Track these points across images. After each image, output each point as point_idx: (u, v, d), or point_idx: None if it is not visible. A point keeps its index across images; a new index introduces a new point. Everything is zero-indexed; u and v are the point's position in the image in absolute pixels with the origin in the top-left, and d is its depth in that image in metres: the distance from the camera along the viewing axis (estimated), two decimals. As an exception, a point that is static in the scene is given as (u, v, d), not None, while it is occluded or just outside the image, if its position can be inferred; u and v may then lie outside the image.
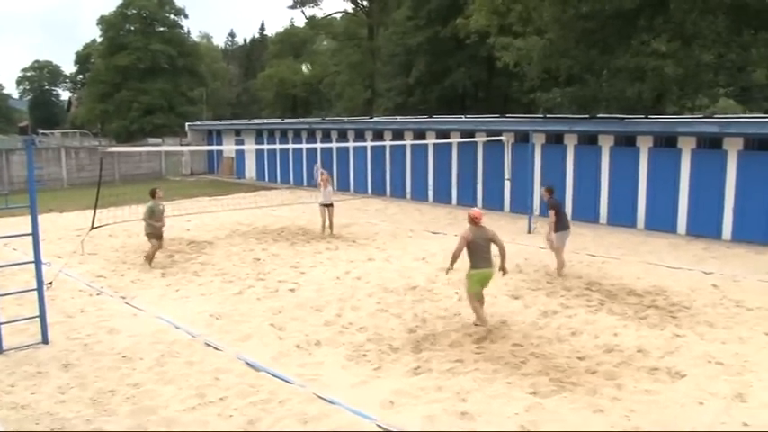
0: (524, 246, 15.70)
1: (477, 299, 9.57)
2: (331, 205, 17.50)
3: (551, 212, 12.91)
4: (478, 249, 9.41)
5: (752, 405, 7.04)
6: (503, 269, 9.69)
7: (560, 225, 12.88)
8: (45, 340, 9.14)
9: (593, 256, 14.73)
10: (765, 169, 15.96)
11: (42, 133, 61.06)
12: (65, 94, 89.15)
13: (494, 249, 9.67)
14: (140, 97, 54.50)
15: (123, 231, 17.58)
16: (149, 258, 14.07)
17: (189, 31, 64.35)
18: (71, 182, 32.35)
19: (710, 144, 17.08)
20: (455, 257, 9.44)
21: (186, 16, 60.47)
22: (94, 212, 13.38)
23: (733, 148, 16.60)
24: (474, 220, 9.51)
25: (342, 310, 10.65)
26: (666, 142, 17.95)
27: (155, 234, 14.00)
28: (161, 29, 58.14)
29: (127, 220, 17.14)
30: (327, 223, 17.44)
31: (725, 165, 16.70)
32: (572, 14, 23.06)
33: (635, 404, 7.06)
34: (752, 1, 20.69)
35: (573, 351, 8.66)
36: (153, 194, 14.23)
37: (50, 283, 11.67)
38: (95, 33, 73.13)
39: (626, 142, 18.78)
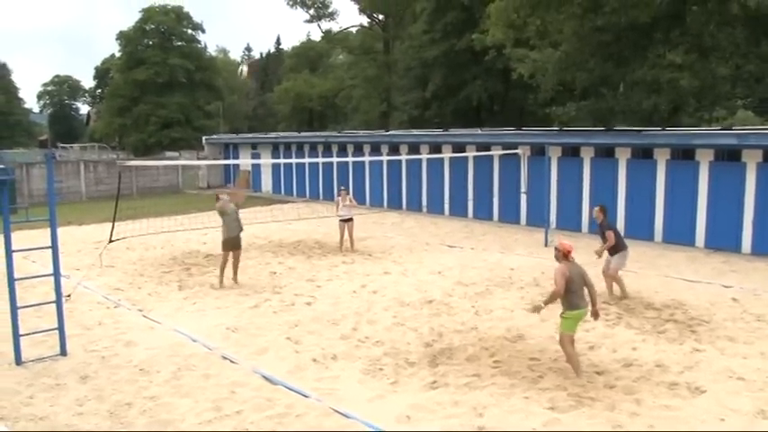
0: (541, 259, 15.62)
1: (572, 342, 8.46)
2: (350, 220, 17.47)
3: (610, 234, 11.92)
4: (575, 286, 8.28)
5: (774, 422, 6.94)
6: (595, 313, 8.58)
7: (621, 245, 12.09)
8: (63, 352, 9.21)
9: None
10: (785, 182, 15.81)
11: (62, 147, 61.80)
12: (84, 108, 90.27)
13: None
14: (158, 111, 55.02)
15: (140, 244, 17.70)
16: (221, 272, 13.40)
17: (206, 46, 65.02)
18: (90, 195, 32.68)
19: (729, 156, 16.94)
20: (554, 297, 8.29)
21: (203, 31, 61.18)
22: (113, 225, 13.48)
23: (752, 160, 16.45)
24: (566, 255, 8.41)
25: (358, 324, 10.63)
26: (684, 155, 17.82)
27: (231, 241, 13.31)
28: (179, 43, 58.74)
29: (144, 233, 17.28)
30: (346, 237, 17.40)
31: (744, 177, 16.55)
32: (588, 27, 23.04)
33: (654, 420, 6.97)
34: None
35: (591, 365, 8.58)
36: (217, 198, 13.76)
37: (69, 296, 11.76)
38: (114, 48, 74.23)
39: (643, 155, 18.68)
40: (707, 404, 7.35)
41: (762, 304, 11.55)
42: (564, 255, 8.41)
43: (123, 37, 57.84)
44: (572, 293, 8.24)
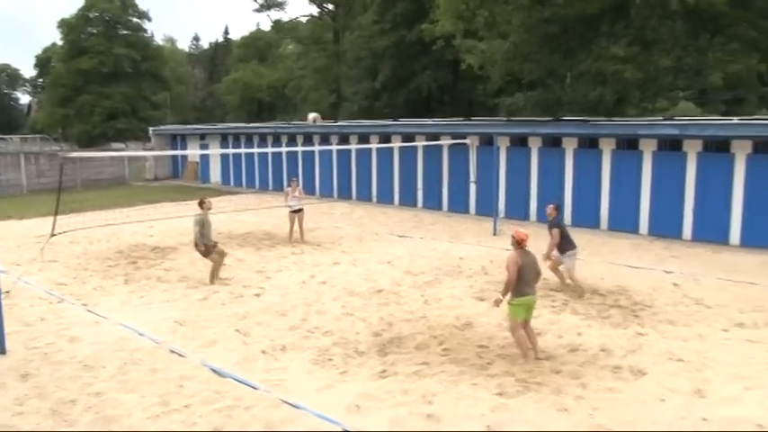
0: (490, 248, 15.82)
1: (521, 328, 8.57)
2: (300, 210, 17.37)
3: (555, 232, 11.75)
4: (527, 275, 8.47)
5: (711, 400, 7.19)
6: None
7: (569, 245, 11.87)
8: (2, 350, 8.92)
9: (557, 257, 14.88)
10: (723, 170, 16.35)
11: (1, 138, 59.80)
12: (24, 98, 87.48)
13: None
14: (103, 101, 53.74)
15: (84, 238, 17.28)
16: (212, 276, 12.83)
17: (153, 35, 63.71)
18: (31, 188, 31.72)
19: (671, 146, 17.41)
20: (509, 287, 8.41)
21: (150, 19, 59.97)
22: (54, 219, 13.14)
23: (692, 150, 16.95)
24: (520, 243, 8.55)
25: (307, 315, 10.59)
26: (628, 144, 18.25)
27: (208, 247, 12.80)
28: (124, 32, 57.42)
29: (88, 226, 16.88)
30: (296, 228, 17.29)
31: (685, 166, 17.05)
32: (536, 19, 23.31)
33: (598, 402, 7.15)
34: (707, 6, 21.14)
35: (538, 351, 8.73)
36: (201, 205, 13.15)
37: (8, 292, 11.42)
38: (56, 36, 71.84)
39: (589, 144, 19.05)
40: (648, 386, 7.57)
41: (701, 288, 11.94)
42: (518, 243, 8.54)
43: (65, 25, 56.18)
44: (522, 282, 8.40)
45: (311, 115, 16.34)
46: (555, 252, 11.86)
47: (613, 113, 22.10)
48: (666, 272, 13.33)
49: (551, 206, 12.45)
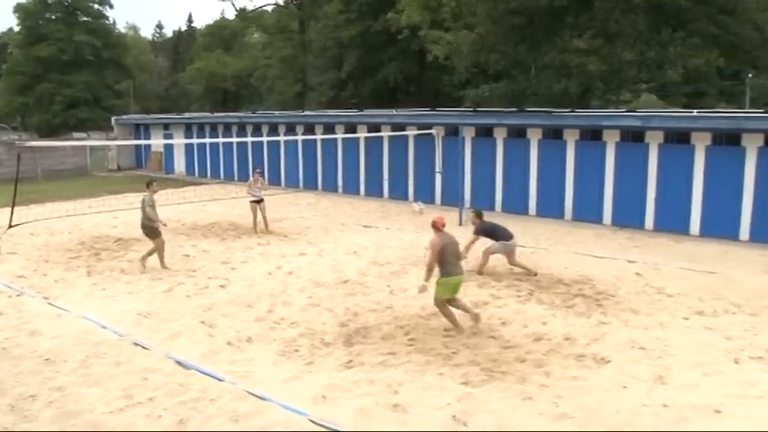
0: (457, 238, 15.86)
1: (447, 304, 9.13)
2: (262, 201, 17.28)
3: (474, 237, 12.48)
4: (449, 255, 9.03)
5: (671, 387, 7.33)
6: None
7: (504, 237, 12.37)
8: (-40, 344, 8.73)
9: (522, 247, 14.93)
10: (684, 161, 16.64)
11: (-45, 127, 58.29)
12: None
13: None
14: (63, 90, 52.66)
15: (46, 229, 16.94)
16: (144, 258, 13.05)
17: (115, 22, 62.66)
18: (-12, 178, 30.93)
19: (633, 137, 17.67)
20: (431, 269, 9.02)
21: (111, 6, 59.02)
22: (12, 209, 12.84)
23: (654, 141, 17.22)
24: (437, 226, 9.20)
25: (273, 306, 10.54)
26: (592, 135, 18.47)
27: (156, 230, 13.03)
28: (85, 19, 56.28)
29: (50, 217, 16.55)
30: (260, 219, 17.20)
31: (647, 157, 17.31)
32: (502, 10, 23.44)
33: (562, 390, 7.24)
34: (669, 1, 21.50)
35: (503, 341, 8.83)
36: (148, 186, 13.36)
37: (-34, 285, 11.15)
38: (12, 21, 70.10)
39: (553, 135, 19.24)
40: (611, 373, 7.69)
41: (662, 278, 12.16)
42: (436, 226, 9.22)
43: (21, 10, 54.81)
44: (446, 262, 8.98)
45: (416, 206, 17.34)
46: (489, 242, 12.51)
47: (578, 105, 22.36)
48: (629, 261, 13.54)
49: (472, 214, 13.25)
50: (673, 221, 16.83)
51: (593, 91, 24.71)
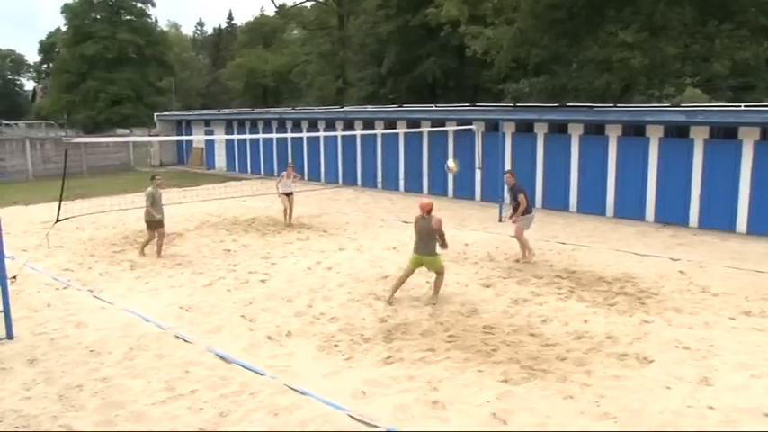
0: (495, 234, 15.79)
1: (406, 273, 10.57)
2: (291, 194, 17.56)
3: (522, 197, 12.90)
4: (419, 235, 10.38)
5: (717, 388, 7.16)
6: (443, 245, 10.53)
7: (528, 208, 13.06)
8: (9, 335, 8.95)
9: (563, 243, 14.87)
10: (730, 157, 16.24)
11: (6, 124, 59.83)
12: (29, 84, 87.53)
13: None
14: (107, 87, 53.64)
15: (91, 224, 17.32)
16: (142, 248, 14.10)
17: (157, 20, 63.54)
18: (36, 174, 31.74)
19: (678, 133, 17.31)
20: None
21: (154, 5, 59.65)
22: (60, 204, 13.13)
23: (699, 137, 16.83)
24: (421, 209, 10.32)
25: (313, 301, 10.60)
26: (635, 131, 18.14)
27: (153, 222, 13.83)
28: (128, 17, 57.23)
29: (95, 211, 16.90)
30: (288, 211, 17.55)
31: (692, 153, 16.94)
32: (543, 4, 23.15)
33: (604, 390, 7.14)
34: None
35: (543, 338, 8.74)
36: (152, 179, 14.24)
37: (15, 278, 11.43)
38: (60, 22, 71.79)
39: (595, 131, 18.94)
40: (654, 373, 7.55)
41: (707, 276, 11.89)
42: (420, 209, 10.37)
43: (69, 10, 56.01)
44: (416, 240, 10.45)
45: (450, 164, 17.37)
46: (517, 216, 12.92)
47: (620, 100, 21.98)
48: (673, 259, 13.27)
49: (508, 173, 13.94)
50: (718, 219, 16.45)
51: (635, 86, 24.27)
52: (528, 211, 12.96)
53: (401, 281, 10.58)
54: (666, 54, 21.64)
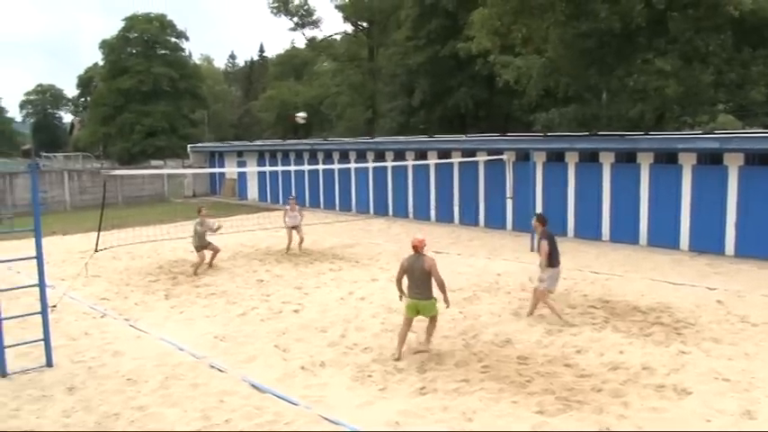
0: (527, 264, 15.67)
1: (406, 323, 9.38)
2: (296, 227, 18.25)
3: (543, 244, 10.94)
4: (412, 278, 9.29)
5: (761, 421, 7.00)
6: (445, 301, 9.38)
7: (554, 261, 11.01)
8: (49, 363, 9.13)
9: (596, 273, 14.72)
10: (766, 184, 16.00)
11: (45, 156, 61.35)
12: (67, 117, 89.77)
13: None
14: (142, 119, 54.83)
15: (126, 254, 17.60)
16: (195, 267, 15.62)
17: (190, 54, 64.92)
18: (74, 204, 32.43)
19: (711, 160, 17.13)
20: (397, 284, 9.61)
21: (187, 39, 61.07)
22: (98, 235, 13.41)
23: (734, 164, 16.64)
24: (414, 248, 9.35)
25: (346, 331, 10.63)
26: (667, 158, 17.99)
27: (200, 247, 15.73)
28: (162, 51, 58.61)
29: (130, 242, 17.18)
30: (297, 242, 18.14)
31: (726, 180, 16.74)
32: (572, 34, 23.22)
33: (642, 422, 7.02)
34: (750, 17, 20.84)
35: (578, 369, 8.64)
36: (199, 212, 16.25)
37: (54, 306, 11.66)
38: (97, 57, 73.98)
39: (627, 159, 18.83)
40: (693, 405, 7.41)
41: (746, 305, 11.67)
42: (413, 247, 9.41)
43: (106, 45, 57.67)
44: (409, 284, 9.32)
45: (299, 114, 18.00)
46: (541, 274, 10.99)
47: (652, 128, 21.84)
48: (710, 288, 13.06)
49: (534, 219, 11.87)
50: (756, 246, 16.15)
51: (669, 114, 24.14)
52: (552, 263, 10.92)
53: (404, 335, 9.38)
54: (702, 81, 21.50)
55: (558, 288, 11.50)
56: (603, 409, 7.35)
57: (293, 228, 18.16)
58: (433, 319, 9.51)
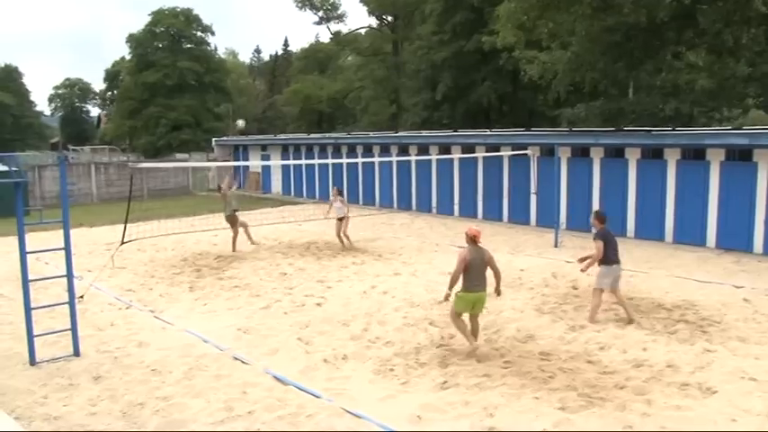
0: (551, 260, 15.61)
1: (459, 317, 9.12)
2: (343, 218, 17.75)
3: (598, 244, 10.54)
4: (473, 271, 8.93)
5: (787, 422, 6.91)
6: (497, 291, 9.39)
7: (610, 258, 10.67)
8: (76, 353, 9.28)
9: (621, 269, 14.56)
10: (797, 182, 15.75)
11: (73, 149, 62.11)
12: (94, 111, 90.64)
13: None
14: (168, 113, 55.33)
15: (151, 246, 17.79)
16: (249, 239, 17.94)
17: (215, 48, 65.30)
18: (101, 197, 32.88)
19: (740, 156, 16.88)
20: (454, 281, 8.98)
21: (213, 33, 61.48)
22: (125, 227, 13.57)
23: (764, 160, 16.38)
24: (474, 239, 9.08)
25: (368, 325, 10.65)
26: (694, 155, 17.77)
27: (231, 218, 17.53)
28: (188, 46, 59.08)
29: (155, 234, 17.36)
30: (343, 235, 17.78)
31: (755, 176, 16.47)
32: (599, 27, 22.99)
33: (666, 420, 6.95)
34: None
35: (601, 366, 8.58)
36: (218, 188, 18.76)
37: (82, 297, 11.84)
38: (124, 51, 74.60)
39: (653, 155, 18.62)
40: (718, 405, 7.32)
41: (773, 305, 11.49)
42: (470, 239, 9.12)
43: (133, 40, 58.25)
44: (470, 277, 8.92)
45: (239, 122, 18.74)
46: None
47: (679, 123, 21.58)
48: (736, 286, 12.88)
49: (593, 216, 11.45)
50: (784, 245, 15.92)
51: (697, 109, 23.84)
52: (606, 261, 10.59)
53: (465, 327, 9.14)
54: (733, 75, 21.17)
55: (620, 287, 10.91)
56: (626, 406, 7.29)
57: (340, 219, 17.76)
58: (477, 317, 9.39)
